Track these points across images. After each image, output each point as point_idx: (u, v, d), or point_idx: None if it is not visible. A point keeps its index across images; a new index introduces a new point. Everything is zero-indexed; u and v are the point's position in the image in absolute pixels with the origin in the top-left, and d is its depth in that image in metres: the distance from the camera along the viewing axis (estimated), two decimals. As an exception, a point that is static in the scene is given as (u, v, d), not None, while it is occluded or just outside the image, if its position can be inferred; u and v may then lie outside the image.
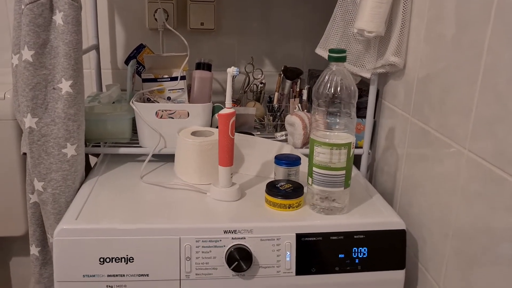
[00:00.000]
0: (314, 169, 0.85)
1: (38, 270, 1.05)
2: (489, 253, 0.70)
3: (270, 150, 1.04)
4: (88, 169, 1.08)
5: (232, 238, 0.82)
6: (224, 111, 0.86)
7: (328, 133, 0.84)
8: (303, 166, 0.99)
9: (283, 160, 0.95)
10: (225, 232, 0.82)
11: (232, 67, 0.85)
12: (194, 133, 1.00)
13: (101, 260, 0.80)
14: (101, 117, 1.05)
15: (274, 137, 1.14)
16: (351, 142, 0.84)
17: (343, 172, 0.84)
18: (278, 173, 0.95)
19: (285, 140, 1.12)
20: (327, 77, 0.83)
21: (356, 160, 1.06)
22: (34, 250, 1.03)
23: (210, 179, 0.96)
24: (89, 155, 1.20)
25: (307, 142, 1.08)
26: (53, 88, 0.89)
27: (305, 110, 1.15)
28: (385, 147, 1.09)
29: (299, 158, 0.95)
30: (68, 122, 0.90)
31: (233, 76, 0.86)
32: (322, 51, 1.06)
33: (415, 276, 0.93)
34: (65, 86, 0.89)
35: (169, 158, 1.09)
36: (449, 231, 0.81)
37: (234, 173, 1.01)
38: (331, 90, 0.82)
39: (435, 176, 0.86)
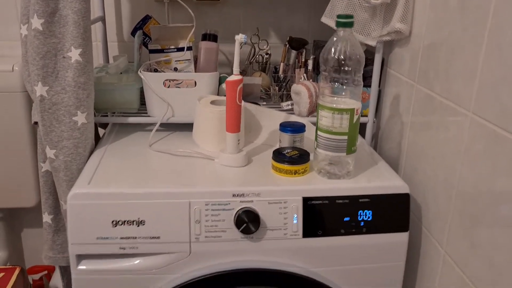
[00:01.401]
0: (318, 132, 0.87)
1: (51, 237, 1.07)
2: (492, 214, 0.72)
3: (277, 119, 1.05)
4: (97, 139, 1.10)
5: (240, 202, 0.84)
6: (231, 78, 0.88)
7: (335, 98, 0.85)
8: (308, 134, 1.01)
9: (288, 127, 0.96)
10: (234, 195, 0.84)
11: (240, 34, 0.86)
12: (213, 102, 1.01)
13: (114, 223, 0.83)
14: (109, 87, 1.06)
15: (280, 107, 1.15)
16: (354, 108, 0.85)
17: (345, 137, 0.85)
18: (284, 140, 0.97)
19: (291, 110, 1.13)
20: (334, 43, 0.84)
21: (361, 129, 1.07)
22: (46, 217, 1.06)
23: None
24: (98, 127, 1.21)
25: (313, 110, 1.09)
26: (63, 57, 0.91)
27: (311, 80, 1.16)
28: (390, 115, 1.10)
29: (304, 125, 0.97)
30: (78, 91, 0.92)
31: (241, 43, 0.87)
32: (328, 20, 1.07)
33: (419, 239, 0.96)
34: (74, 54, 0.90)
35: (177, 127, 1.11)
36: (452, 193, 0.83)
37: (248, 143, 1.04)
38: (338, 55, 0.83)
39: (439, 141, 0.88)
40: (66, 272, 1.17)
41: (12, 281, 1.16)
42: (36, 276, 1.45)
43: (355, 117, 0.86)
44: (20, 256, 1.53)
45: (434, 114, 0.90)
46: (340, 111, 0.84)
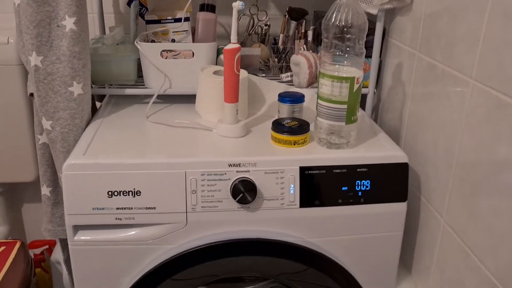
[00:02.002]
0: (318, 101, 0.86)
1: (50, 210, 1.07)
2: (493, 181, 0.71)
3: (277, 90, 1.04)
4: (94, 112, 1.09)
5: (237, 172, 0.83)
6: (229, 46, 0.86)
7: (336, 66, 0.83)
8: (307, 104, 0.99)
9: (287, 97, 0.95)
10: (230, 165, 0.83)
11: (238, 1, 0.84)
12: (216, 72, 1.00)
13: (109, 193, 0.82)
14: (106, 58, 1.05)
15: (279, 79, 1.13)
16: (354, 77, 0.83)
17: (344, 106, 0.84)
18: (282, 110, 0.96)
19: (291, 81, 1.12)
20: (337, 9, 0.82)
21: (362, 100, 1.05)
22: (45, 190, 1.06)
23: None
24: (95, 100, 1.20)
25: (313, 82, 1.07)
26: (57, 26, 0.89)
27: (310, 51, 1.14)
28: (391, 86, 1.08)
29: (303, 95, 0.95)
30: (73, 60, 0.90)
31: (239, 10, 0.85)
32: (328, -12, 1.04)
33: (417, 210, 0.95)
34: (69, 23, 0.88)
35: (174, 99, 1.10)
36: (452, 162, 0.82)
37: (252, 115, 1.03)
38: (340, 22, 0.81)
39: (441, 110, 0.86)
40: (66, 245, 1.17)
41: (13, 254, 1.17)
42: (37, 251, 1.46)
43: (356, 86, 0.84)
44: (21, 230, 1.54)
45: (435, 83, 0.88)
46: (340, 79, 0.82)
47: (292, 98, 0.95)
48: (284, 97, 0.95)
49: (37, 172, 1.30)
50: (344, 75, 0.82)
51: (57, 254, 1.29)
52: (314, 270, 0.87)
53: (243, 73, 1.00)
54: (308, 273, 0.87)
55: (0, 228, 1.42)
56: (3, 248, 1.19)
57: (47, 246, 1.47)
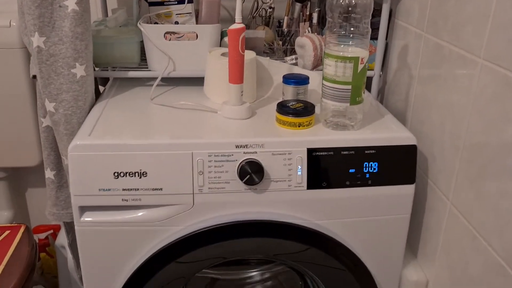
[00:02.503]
0: (323, 81, 0.85)
1: (54, 194, 1.07)
2: (501, 162, 0.70)
3: (285, 72, 1.03)
4: (98, 95, 1.08)
5: (244, 153, 0.83)
6: (234, 26, 0.85)
7: (341, 46, 0.82)
8: (312, 86, 0.98)
9: (291, 79, 0.94)
10: (237, 146, 0.82)
11: (242, -20, 0.83)
12: (224, 54, 0.99)
13: (116, 174, 0.82)
14: (109, 40, 1.04)
15: (284, 61, 1.12)
16: (358, 57, 0.82)
17: (349, 87, 0.83)
18: (287, 92, 0.95)
19: (295, 64, 1.10)
20: (341, -12, 0.80)
21: (367, 83, 1.04)
22: (49, 173, 1.05)
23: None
24: (98, 84, 1.19)
25: (318, 64, 1.06)
26: (59, 6, 0.88)
27: (315, 33, 1.13)
28: (397, 68, 1.07)
29: (308, 77, 0.95)
30: (76, 41, 0.89)
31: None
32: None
33: (424, 192, 0.95)
34: (71, 3, 0.87)
35: (178, 81, 1.09)
36: (460, 144, 0.81)
37: (260, 97, 1.02)
38: (345, 1, 0.80)
39: (448, 91, 0.85)
40: (71, 229, 1.17)
41: (18, 238, 1.17)
42: (42, 236, 1.46)
43: (360, 67, 0.83)
44: (26, 215, 1.54)
45: (442, 64, 0.87)
46: (344, 59, 0.81)
47: (296, 80, 0.94)
48: (288, 79, 0.94)
49: (41, 156, 1.29)
50: (347, 55, 0.82)
51: (62, 239, 1.29)
52: (321, 251, 0.87)
53: (251, 54, 0.99)
54: (315, 255, 0.87)
55: (4, 213, 1.42)
56: (7, 232, 1.19)
57: (51, 231, 1.47)
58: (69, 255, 1.24)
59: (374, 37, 1.08)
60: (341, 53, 0.82)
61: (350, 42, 0.83)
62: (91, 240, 0.86)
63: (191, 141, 0.82)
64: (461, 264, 0.82)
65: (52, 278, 1.43)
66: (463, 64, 0.80)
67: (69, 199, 1.07)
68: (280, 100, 0.99)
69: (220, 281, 1.18)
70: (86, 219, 0.84)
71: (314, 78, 1.00)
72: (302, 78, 0.94)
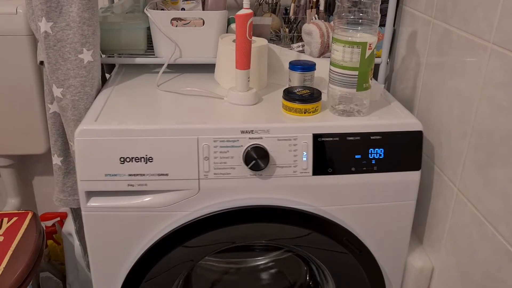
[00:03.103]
0: (330, 67, 0.85)
1: (62, 180, 1.08)
2: (509, 148, 0.70)
3: (289, 58, 1.02)
4: (104, 82, 1.08)
5: (249, 138, 0.82)
6: (241, 12, 0.84)
7: (350, 31, 0.82)
8: (319, 73, 0.98)
9: (298, 65, 0.94)
10: (242, 132, 0.82)
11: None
12: (235, 41, 0.98)
13: (122, 159, 0.82)
14: (115, 26, 1.04)
15: (290, 49, 1.12)
16: (366, 42, 0.81)
17: (355, 72, 0.83)
18: (293, 78, 0.95)
19: (302, 52, 1.10)
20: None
21: (374, 70, 1.04)
22: (56, 160, 1.06)
23: (250, 85, 0.95)
24: (105, 72, 1.20)
25: (325, 51, 1.05)
26: (66, -9, 0.88)
27: (322, 20, 1.12)
28: (405, 55, 1.06)
29: (314, 64, 0.94)
30: (83, 27, 0.89)
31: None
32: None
33: (431, 179, 0.94)
34: (78, -12, 0.87)
35: (184, 68, 1.09)
36: (468, 130, 0.80)
37: (271, 84, 1.01)
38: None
39: (456, 77, 0.84)
40: (78, 216, 1.18)
41: (25, 225, 1.18)
42: (49, 223, 1.47)
43: (368, 53, 0.82)
44: (33, 203, 1.55)
45: (451, 50, 0.86)
46: (351, 44, 0.81)
47: (303, 66, 0.93)
48: (295, 65, 0.94)
49: (48, 144, 1.30)
50: (354, 40, 0.81)
51: (69, 226, 1.30)
52: (325, 237, 0.87)
53: (263, 41, 0.98)
54: (319, 240, 0.87)
55: (12, 201, 1.44)
56: (15, 218, 1.20)
57: (58, 219, 1.48)
58: (76, 242, 1.25)
59: (381, 23, 1.07)
60: (350, 38, 0.81)
61: (359, 28, 0.82)
62: (98, 225, 0.86)
63: (196, 126, 0.82)
64: (467, 251, 0.82)
65: (59, 265, 1.44)
66: (472, 49, 0.79)
67: (76, 186, 1.07)
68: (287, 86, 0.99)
69: (226, 271, 1.18)
70: (92, 204, 0.85)
71: (321, 65, 0.99)
72: (308, 65, 0.94)
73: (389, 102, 0.95)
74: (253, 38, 1.00)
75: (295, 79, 0.94)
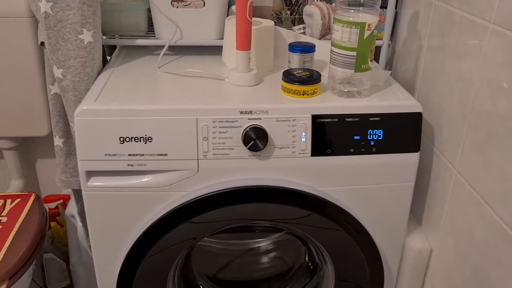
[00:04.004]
0: (331, 47, 0.84)
1: (63, 161, 1.08)
2: (508, 129, 0.69)
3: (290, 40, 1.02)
4: (105, 64, 1.08)
5: (248, 119, 0.83)
6: (240, -9, 0.84)
7: (352, 11, 0.81)
8: (320, 56, 0.97)
9: (297, 47, 0.93)
10: (241, 112, 0.83)
11: None
12: None
13: (121, 139, 0.82)
14: (116, 7, 1.03)
15: (291, 31, 1.11)
16: (364, 23, 0.81)
17: (354, 53, 0.82)
18: (293, 60, 0.94)
19: (303, 34, 1.09)
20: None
21: (376, 53, 1.03)
22: (58, 141, 1.07)
23: (255, 66, 0.95)
24: (106, 54, 1.20)
25: (326, 33, 1.05)
26: (65, -29, 0.88)
27: (324, 1, 1.11)
28: (407, 37, 1.06)
29: (314, 45, 0.94)
30: (83, 7, 0.89)
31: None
32: None
33: (430, 161, 0.94)
34: (77, -32, 0.87)
35: (186, 50, 1.09)
36: (467, 111, 0.80)
37: (277, 67, 1.01)
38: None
39: (457, 58, 0.84)
40: (80, 198, 1.19)
41: (28, 206, 1.19)
42: (52, 205, 1.49)
43: (367, 33, 0.82)
44: (36, 185, 1.57)
45: (452, 31, 0.85)
46: (350, 24, 0.80)
47: (302, 48, 0.93)
48: (294, 47, 0.93)
49: (50, 127, 1.30)
50: (352, 20, 0.81)
51: (72, 208, 1.31)
52: (323, 217, 0.87)
53: (269, 23, 0.98)
54: (317, 220, 0.88)
55: (15, 183, 1.45)
56: (18, 200, 1.22)
57: (61, 201, 1.50)
58: (79, 224, 1.27)
59: (383, 5, 1.06)
60: (350, 19, 0.81)
61: (360, 9, 0.82)
62: (98, 204, 0.87)
63: (195, 106, 0.82)
64: (465, 232, 0.82)
65: (63, 246, 1.46)
66: (473, 30, 0.78)
67: (78, 167, 1.08)
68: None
69: (226, 253, 1.19)
70: (92, 184, 0.85)
71: (322, 47, 0.99)
72: (308, 46, 0.94)
73: (389, 84, 0.95)
74: (259, 19, 1.00)
75: (295, 60, 0.94)
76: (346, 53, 0.82)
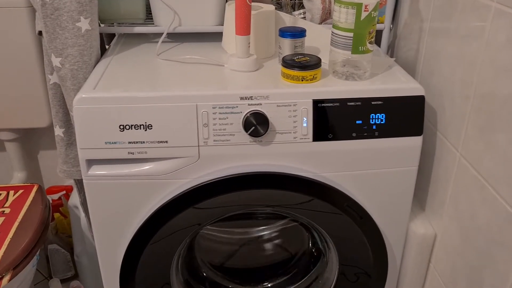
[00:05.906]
0: (331, 28, 0.84)
1: (64, 151, 1.08)
2: (510, 109, 0.68)
3: (310, 29, 1.00)
4: (103, 53, 1.07)
5: (249, 105, 0.82)
6: (239, -25, 0.83)
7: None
8: (320, 41, 0.96)
9: (288, 31, 0.91)
10: (241, 98, 0.82)
11: None
12: None
13: (121, 127, 0.82)
14: (114, -5, 1.02)
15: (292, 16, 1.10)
16: (361, 4, 0.79)
17: (350, 34, 0.81)
18: (284, 46, 0.92)
19: (303, 18, 1.08)
20: None
21: (377, 37, 1.02)
22: (58, 131, 1.06)
23: (256, 52, 0.94)
24: (105, 43, 1.19)
25: (326, 18, 1.04)
26: (61, -42, 0.86)
27: (324, -14, 1.10)
28: (408, 20, 1.04)
29: (304, 30, 0.92)
30: (79, -6, 0.88)
31: None
32: None
33: (433, 145, 0.93)
34: (73, -46, 0.86)
35: (184, 37, 1.08)
36: (470, 93, 0.79)
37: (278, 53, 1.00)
38: None
39: (459, 40, 0.83)
40: (82, 188, 1.19)
41: (31, 197, 1.19)
42: (55, 196, 1.49)
43: (364, 14, 0.80)
44: (38, 177, 1.57)
45: (454, 12, 0.84)
46: (346, 4, 0.79)
47: (292, 33, 0.91)
48: (284, 32, 0.92)
49: (51, 117, 1.30)
50: (350, 0, 0.79)
51: (75, 199, 1.31)
52: (326, 203, 0.87)
53: (270, 7, 0.96)
54: (320, 206, 0.87)
55: (18, 175, 1.45)
56: (21, 191, 1.22)
57: (64, 192, 1.50)
58: (82, 214, 1.27)
59: (384, -12, 1.05)
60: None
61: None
62: (99, 193, 0.87)
63: (195, 93, 0.82)
64: (469, 215, 0.81)
65: (67, 237, 1.47)
66: (475, 10, 0.77)
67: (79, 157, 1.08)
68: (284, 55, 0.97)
69: (229, 242, 1.19)
70: (93, 172, 0.85)
71: (323, 32, 0.98)
72: (298, 31, 0.91)
73: (391, 67, 0.94)
74: (259, 4, 0.99)
75: (286, 46, 0.92)
76: (342, 34, 0.82)
